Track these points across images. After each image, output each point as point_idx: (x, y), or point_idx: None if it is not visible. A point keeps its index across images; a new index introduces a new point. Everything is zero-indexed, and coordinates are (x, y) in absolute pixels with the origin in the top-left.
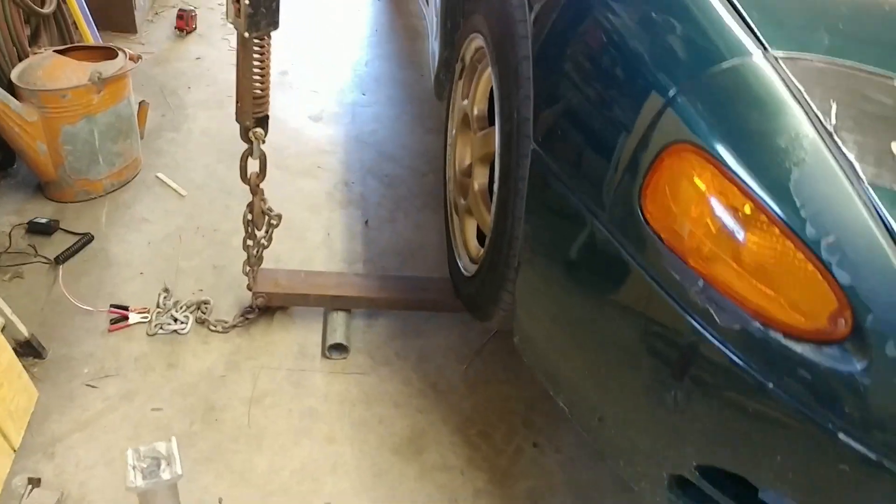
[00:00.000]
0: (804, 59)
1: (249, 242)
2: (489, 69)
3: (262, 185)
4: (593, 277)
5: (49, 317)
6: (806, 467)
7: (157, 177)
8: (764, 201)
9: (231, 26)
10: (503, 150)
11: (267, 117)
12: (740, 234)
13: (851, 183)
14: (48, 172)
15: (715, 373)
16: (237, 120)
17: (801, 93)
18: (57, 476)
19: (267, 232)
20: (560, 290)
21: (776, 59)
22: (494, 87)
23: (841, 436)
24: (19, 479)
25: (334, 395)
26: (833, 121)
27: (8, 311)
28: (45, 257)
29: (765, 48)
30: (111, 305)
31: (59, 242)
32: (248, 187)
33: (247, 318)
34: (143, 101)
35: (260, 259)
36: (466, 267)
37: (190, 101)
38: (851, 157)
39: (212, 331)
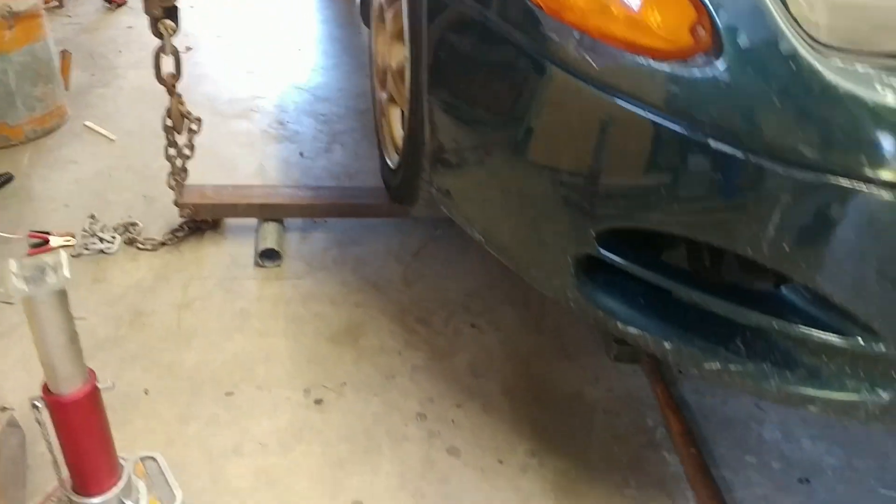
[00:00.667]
0: None
1: (171, 151)
2: None
3: (178, 88)
4: (491, 73)
5: None
6: (687, 190)
7: (86, 125)
8: None
9: None
10: (409, 5)
11: (176, 8)
12: None
13: None
14: None
15: (593, 118)
16: (146, 12)
17: None
18: None
19: (189, 138)
20: (465, 102)
21: None
22: None
23: (711, 142)
24: None
25: (268, 296)
26: None
27: None
28: None
29: None
30: (31, 231)
31: None
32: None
33: (176, 236)
34: (65, 50)
35: (185, 171)
36: (393, 161)
37: (121, 63)
38: None
39: (140, 249)
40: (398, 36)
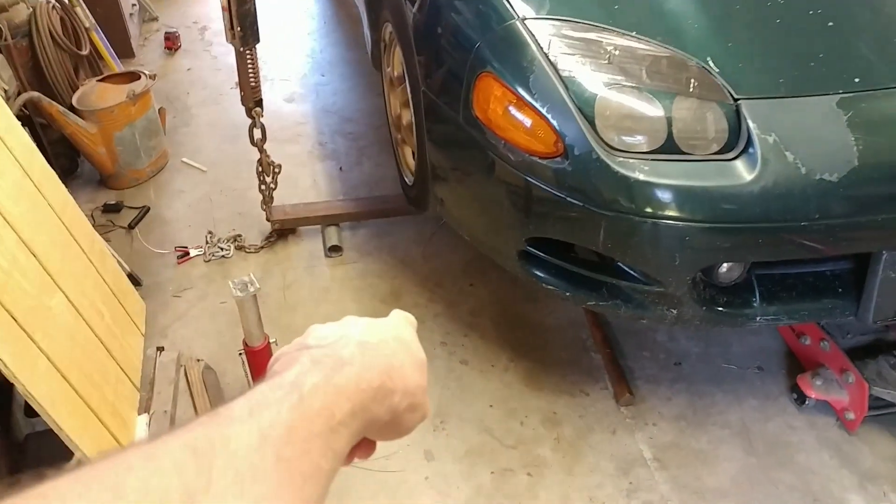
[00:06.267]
0: (539, 18)
1: (262, 187)
2: (398, 46)
3: (265, 146)
4: (462, 153)
5: (137, 261)
6: (564, 221)
7: (183, 161)
8: (520, 94)
9: (213, 43)
10: (412, 95)
11: (261, 100)
12: (513, 112)
13: (557, 77)
14: (108, 168)
15: (516, 186)
16: (243, 103)
17: (534, 36)
18: (172, 345)
19: (273, 178)
20: (450, 165)
21: (523, 20)
22: (400, 58)
23: (568, 198)
24: (150, 350)
25: (338, 277)
26: (549, 48)
27: (115, 255)
28: (121, 226)
29: (518, 16)
30: (176, 247)
31: (127, 215)
32: (255, 149)
33: (269, 241)
34: (161, 107)
35: (271, 198)
36: (409, 179)
37: (191, 103)
38: (557, 65)
39: (248, 252)
40: (406, 104)
